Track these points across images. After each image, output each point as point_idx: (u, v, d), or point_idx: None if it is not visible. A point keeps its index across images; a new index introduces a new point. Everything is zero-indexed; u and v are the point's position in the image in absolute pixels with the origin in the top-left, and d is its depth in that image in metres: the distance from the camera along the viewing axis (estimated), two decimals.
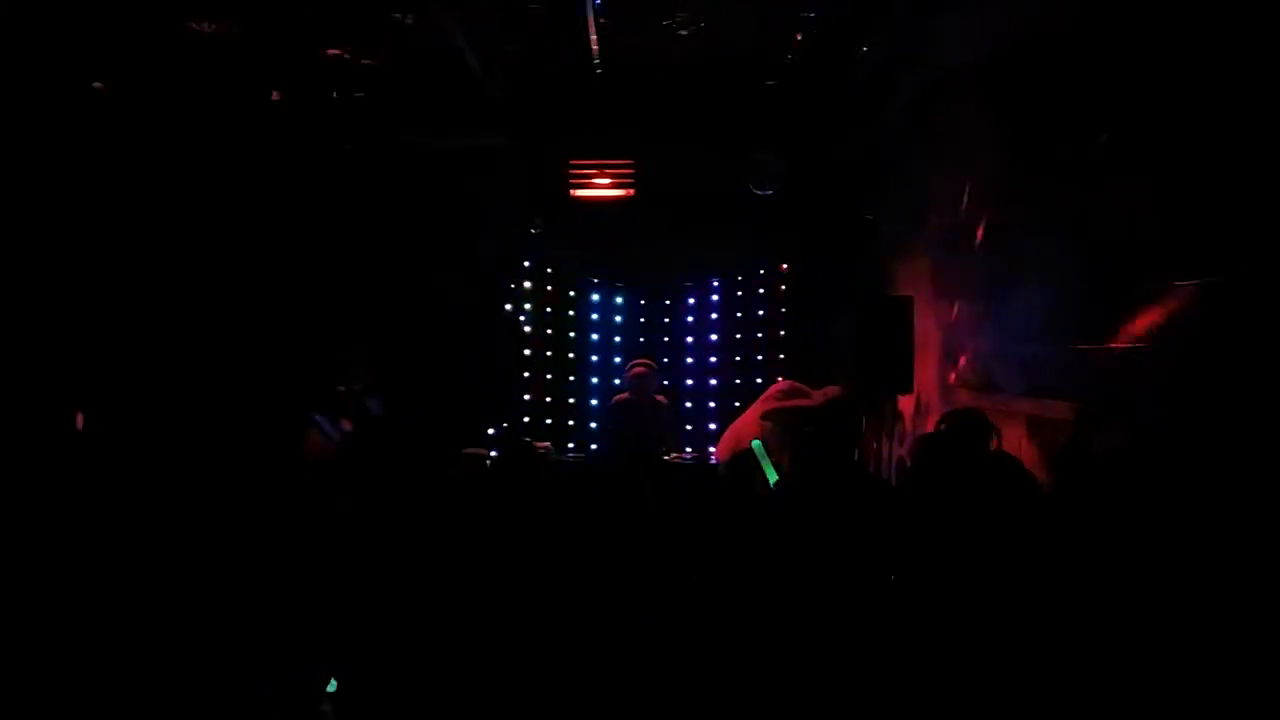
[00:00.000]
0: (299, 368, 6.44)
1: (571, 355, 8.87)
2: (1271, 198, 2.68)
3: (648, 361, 7.63)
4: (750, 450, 5.94)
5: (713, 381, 8.73)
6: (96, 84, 5.98)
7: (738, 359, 8.63)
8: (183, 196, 6.57)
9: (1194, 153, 3.11)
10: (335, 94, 7.09)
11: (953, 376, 5.78)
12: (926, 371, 6.09)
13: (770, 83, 6.98)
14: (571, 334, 8.90)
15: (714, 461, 7.27)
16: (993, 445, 3.97)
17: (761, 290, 8.65)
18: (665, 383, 8.10)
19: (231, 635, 3.92)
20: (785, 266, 8.50)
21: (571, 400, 8.82)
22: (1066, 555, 3.22)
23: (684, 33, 6.12)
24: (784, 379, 6.63)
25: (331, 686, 3.67)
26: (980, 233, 5.34)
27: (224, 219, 6.86)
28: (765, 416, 6.31)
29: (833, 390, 6.23)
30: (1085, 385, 3.87)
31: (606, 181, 8.12)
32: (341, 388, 5.92)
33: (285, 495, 4.60)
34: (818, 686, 3.27)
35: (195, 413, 5.70)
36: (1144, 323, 3.38)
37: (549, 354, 8.80)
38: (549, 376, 8.77)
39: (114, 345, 5.64)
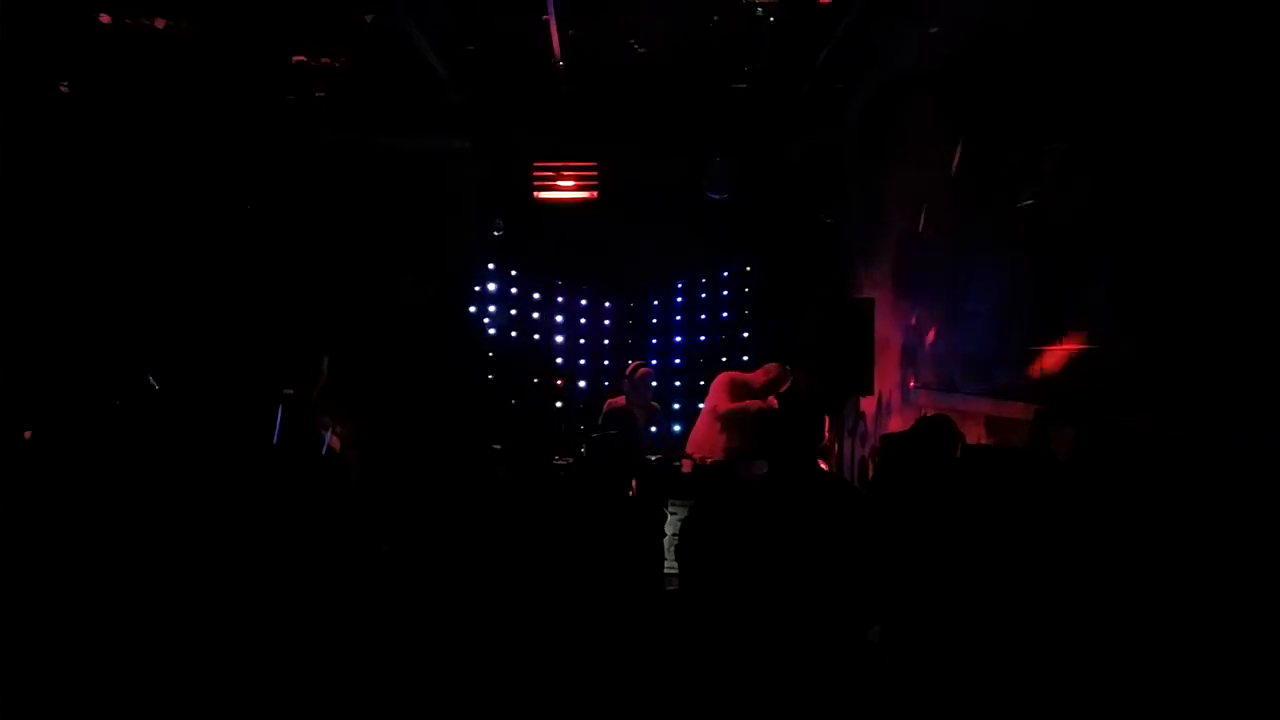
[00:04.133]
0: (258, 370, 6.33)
1: (535, 358, 8.83)
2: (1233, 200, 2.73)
3: (647, 367, 7.43)
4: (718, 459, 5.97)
5: (677, 383, 8.74)
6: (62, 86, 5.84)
7: (701, 360, 8.64)
8: (139, 199, 6.47)
9: (1146, 155, 3.16)
10: (293, 97, 6.97)
11: (912, 378, 5.84)
12: (887, 373, 6.14)
13: (735, 86, 6.99)
14: (535, 336, 8.86)
15: (677, 464, 7.26)
16: (958, 451, 3.99)
17: (725, 291, 8.68)
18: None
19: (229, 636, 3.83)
20: (749, 268, 8.52)
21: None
22: (1030, 552, 3.25)
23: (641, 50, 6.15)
24: (723, 373, 6.61)
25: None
26: (939, 235, 5.39)
27: (180, 220, 6.76)
28: (721, 421, 6.32)
29: (773, 368, 6.29)
30: (1041, 386, 3.92)
31: (570, 184, 8.09)
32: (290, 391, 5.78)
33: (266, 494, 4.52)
34: (785, 689, 3.27)
35: (161, 413, 5.58)
36: (1096, 324, 3.43)
37: (512, 356, 8.76)
38: (512, 380, 8.73)
39: (77, 348, 5.53)
